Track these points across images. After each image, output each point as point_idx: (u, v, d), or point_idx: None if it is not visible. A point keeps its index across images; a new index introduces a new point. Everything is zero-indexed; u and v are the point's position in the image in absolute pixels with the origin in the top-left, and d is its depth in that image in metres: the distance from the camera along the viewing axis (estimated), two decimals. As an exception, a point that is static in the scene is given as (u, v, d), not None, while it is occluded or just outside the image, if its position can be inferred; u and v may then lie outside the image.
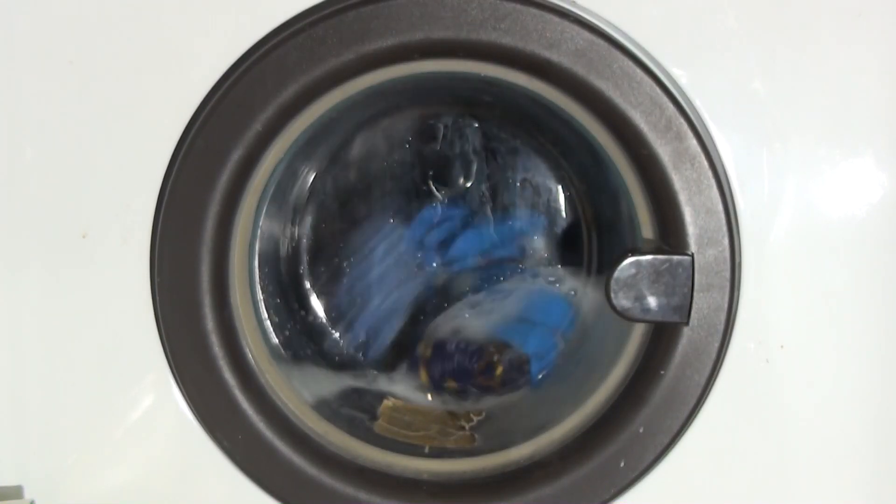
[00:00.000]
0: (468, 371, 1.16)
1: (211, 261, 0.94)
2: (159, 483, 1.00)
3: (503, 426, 1.09)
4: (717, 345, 0.91)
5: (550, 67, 0.89)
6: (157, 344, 0.96)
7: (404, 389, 1.15)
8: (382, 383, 1.15)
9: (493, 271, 1.19)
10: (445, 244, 1.18)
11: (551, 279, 1.18)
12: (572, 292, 1.16)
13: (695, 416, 0.93)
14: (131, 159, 0.94)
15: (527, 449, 0.99)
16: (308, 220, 1.17)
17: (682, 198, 0.89)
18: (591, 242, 1.17)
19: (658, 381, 0.92)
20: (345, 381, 1.14)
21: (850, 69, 0.89)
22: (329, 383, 1.12)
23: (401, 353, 1.18)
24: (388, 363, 1.18)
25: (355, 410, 1.10)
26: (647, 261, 0.89)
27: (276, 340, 1.07)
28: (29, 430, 0.99)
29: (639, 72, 0.88)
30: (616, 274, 0.89)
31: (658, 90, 0.88)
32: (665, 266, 0.89)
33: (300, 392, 1.03)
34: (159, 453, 1.00)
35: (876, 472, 0.95)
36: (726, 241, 0.89)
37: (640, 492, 0.94)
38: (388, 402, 1.11)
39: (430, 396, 1.15)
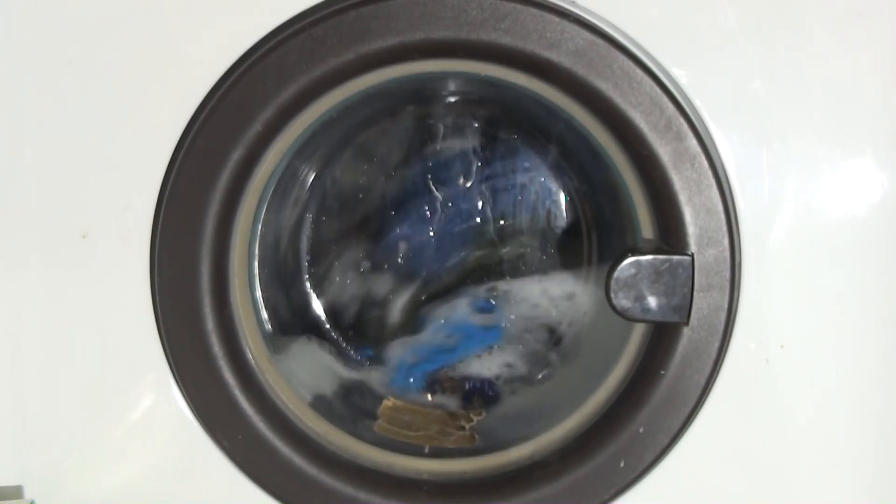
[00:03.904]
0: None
1: (211, 261, 0.94)
2: (159, 483, 1.00)
3: (503, 426, 1.09)
4: (717, 345, 0.91)
5: (550, 67, 0.89)
6: (157, 344, 0.96)
7: (404, 388, 1.15)
8: (381, 382, 1.15)
9: (492, 270, 1.19)
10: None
11: (551, 279, 1.18)
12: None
13: (695, 416, 0.93)
14: (131, 159, 0.94)
15: (527, 449, 0.99)
16: (308, 220, 1.17)
17: (682, 198, 0.89)
18: (591, 242, 1.17)
19: (658, 381, 0.92)
20: (344, 380, 1.14)
21: (850, 69, 0.89)
22: (329, 382, 1.12)
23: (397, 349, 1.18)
24: (386, 361, 1.18)
25: (355, 410, 1.10)
26: (647, 261, 0.89)
27: (275, 340, 1.07)
28: (29, 430, 0.99)
29: (639, 72, 0.88)
30: (616, 274, 0.89)
31: (658, 90, 0.88)
32: (665, 266, 0.89)
33: (300, 392, 1.03)
34: (159, 453, 1.00)
35: (876, 472, 0.95)
36: (726, 241, 0.89)
37: (640, 492, 0.94)
38: (388, 402, 1.11)
39: (430, 396, 1.15)
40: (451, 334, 1.17)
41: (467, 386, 1.16)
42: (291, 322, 1.15)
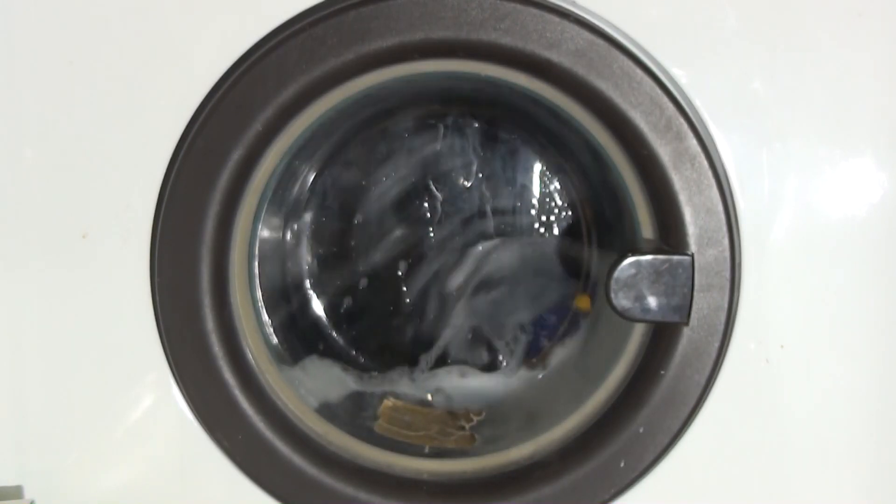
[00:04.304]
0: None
1: (211, 261, 0.94)
2: (159, 483, 1.00)
3: (503, 426, 1.09)
4: (717, 345, 0.91)
5: (550, 67, 0.89)
6: (157, 344, 0.96)
7: (404, 389, 1.15)
8: (382, 383, 1.15)
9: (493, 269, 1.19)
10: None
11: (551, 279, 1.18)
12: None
13: (695, 416, 0.93)
14: (131, 159, 0.94)
15: (527, 449, 0.99)
16: (308, 221, 1.17)
17: (682, 198, 0.89)
18: (591, 242, 1.17)
19: (658, 381, 0.92)
20: (345, 381, 1.14)
21: (850, 69, 0.89)
22: (329, 383, 1.12)
23: (399, 352, 1.18)
24: (387, 362, 1.18)
25: (355, 410, 1.10)
26: (647, 261, 0.89)
27: (276, 340, 1.07)
28: (29, 430, 0.99)
29: (639, 72, 0.88)
30: (616, 274, 0.89)
31: (658, 90, 0.88)
32: (665, 266, 0.89)
33: (300, 392, 1.03)
34: (159, 453, 1.00)
35: (875, 472, 0.95)
36: (726, 241, 0.89)
37: (640, 492, 0.94)
38: (388, 402, 1.11)
39: (430, 396, 1.15)
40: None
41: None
42: (292, 323, 1.15)
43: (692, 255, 0.89)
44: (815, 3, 0.89)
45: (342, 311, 1.20)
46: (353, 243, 1.19)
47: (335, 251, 1.19)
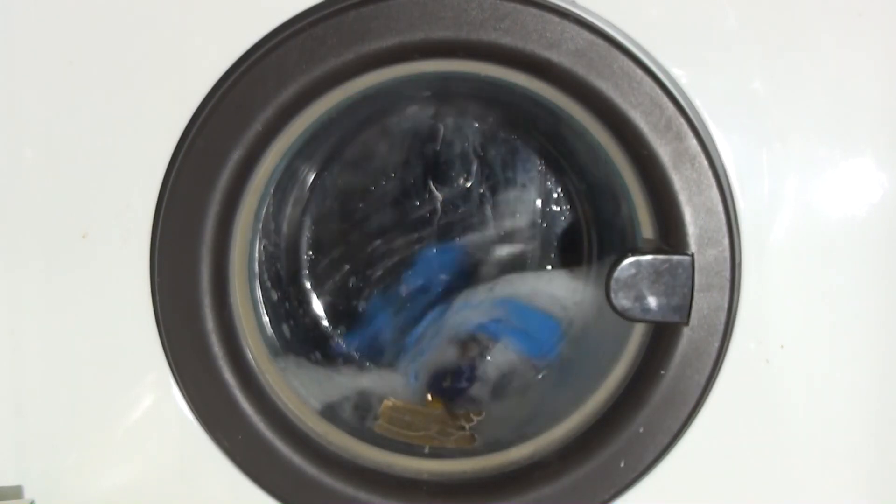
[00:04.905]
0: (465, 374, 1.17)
1: (211, 261, 0.94)
2: (159, 483, 1.00)
3: (503, 426, 1.09)
4: (717, 345, 0.91)
5: (550, 67, 0.89)
6: (157, 344, 0.96)
7: (403, 389, 1.15)
8: (382, 383, 1.15)
9: (494, 270, 1.19)
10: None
11: (551, 279, 1.18)
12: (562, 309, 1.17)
13: (695, 416, 0.93)
14: (131, 159, 0.94)
15: (527, 449, 0.99)
16: (308, 220, 1.17)
17: (682, 198, 0.89)
18: (591, 242, 1.17)
19: (658, 381, 0.92)
20: (344, 381, 1.14)
21: (850, 69, 0.89)
22: (329, 383, 1.12)
23: (399, 351, 1.18)
24: (387, 362, 1.18)
25: (355, 410, 1.10)
26: (647, 261, 0.89)
27: (276, 341, 1.07)
28: (29, 430, 0.99)
29: (639, 72, 0.88)
30: (616, 274, 0.89)
31: (658, 90, 0.88)
32: (665, 266, 0.89)
33: (300, 392, 1.03)
34: (159, 453, 1.00)
35: (875, 472, 0.95)
36: (726, 241, 0.89)
37: (640, 492, 0.94)
38: (388, 402, 1.11)
39: (429, 396, 1.15)
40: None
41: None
42: (291, 322, 1.15)
43: (692, 255, 0.89)
44: (815, 3, 0.89)
45: (342, 311, 1.20)
46: (352, 243, 1.19)
47: (335, 251, 1.19)
